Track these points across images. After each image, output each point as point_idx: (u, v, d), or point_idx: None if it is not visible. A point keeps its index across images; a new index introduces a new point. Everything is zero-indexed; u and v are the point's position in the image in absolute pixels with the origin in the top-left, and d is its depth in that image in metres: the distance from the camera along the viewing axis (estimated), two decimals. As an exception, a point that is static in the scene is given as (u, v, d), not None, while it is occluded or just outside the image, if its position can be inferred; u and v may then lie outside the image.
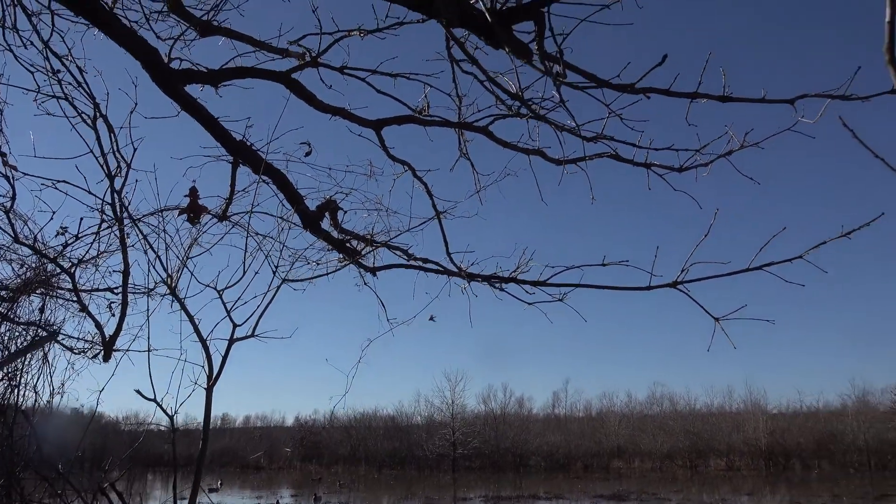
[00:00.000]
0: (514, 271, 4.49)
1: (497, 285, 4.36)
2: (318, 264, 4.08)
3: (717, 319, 3.59)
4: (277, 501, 26.60)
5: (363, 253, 4.29)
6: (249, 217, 3.69)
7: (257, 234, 3.73)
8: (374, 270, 4.12)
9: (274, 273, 3.58)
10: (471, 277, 4.44)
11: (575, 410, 68.10)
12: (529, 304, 4.08)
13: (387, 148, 3.97)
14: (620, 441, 50.94)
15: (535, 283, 3.82)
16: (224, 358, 3.45)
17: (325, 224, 4.33)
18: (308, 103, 4.04)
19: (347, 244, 4.35)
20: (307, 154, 4.03)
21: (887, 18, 1.38)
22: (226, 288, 3.52)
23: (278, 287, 3.55)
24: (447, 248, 4.68)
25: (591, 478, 41.00)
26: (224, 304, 3.51)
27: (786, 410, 52.16)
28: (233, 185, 4.09)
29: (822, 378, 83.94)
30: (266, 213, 3.91)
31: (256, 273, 3.47)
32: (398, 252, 4.60)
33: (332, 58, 3.99)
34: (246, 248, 3.50)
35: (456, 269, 4.61)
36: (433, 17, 2.71)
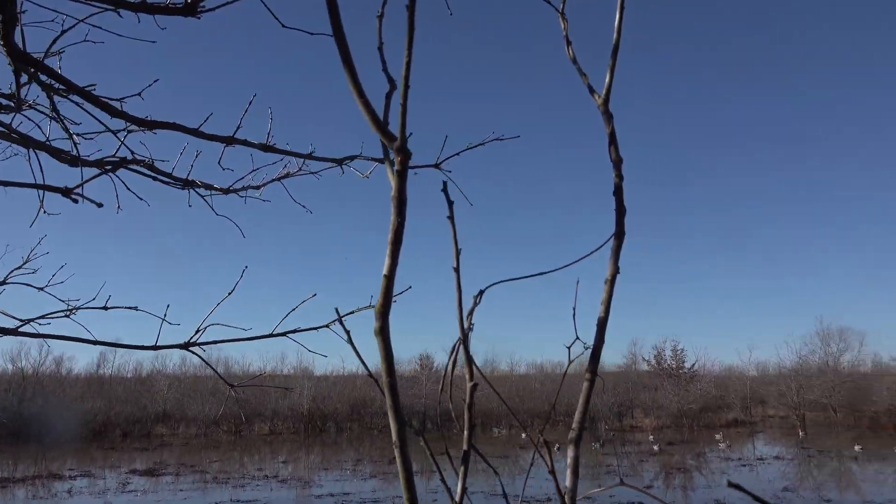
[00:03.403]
0: None
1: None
2: None
3: (231, 386, 3.27)
4: None
5: None
6: None
7: None
8: None
9: None
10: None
11: (123, 371, 63.54)
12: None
13: None
14: (168, 406, 49.12)
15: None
16: None
17: None
18: None
19: None
20: None
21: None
22: None
23: None
24: None
25: (129, 447, 38.55)
26: None
27: (330, 375, 56.68)
28: None
29: (361, 348, 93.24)
30: None
31: None
32: None
33: None
34: None
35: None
36: None
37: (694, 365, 57.93)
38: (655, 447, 34.00)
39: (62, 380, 51.83)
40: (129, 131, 2.77)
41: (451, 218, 0.91)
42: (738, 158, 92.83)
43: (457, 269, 0.90)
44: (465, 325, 0.91)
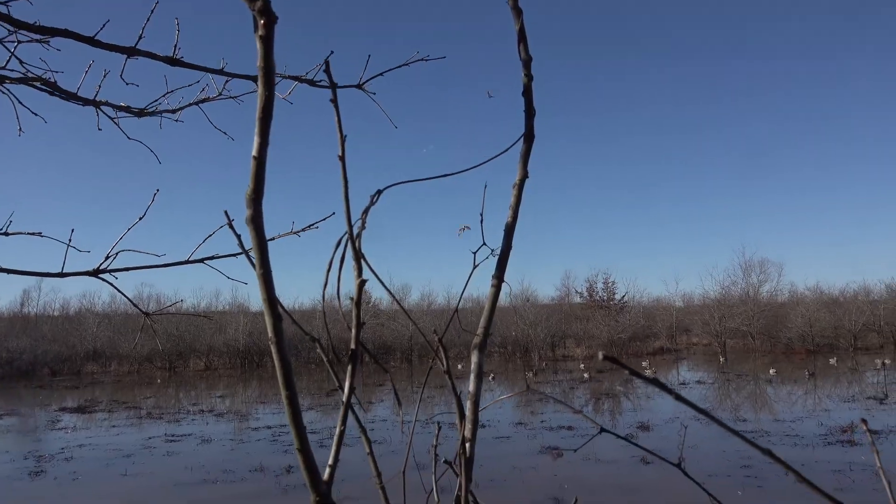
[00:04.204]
0: None
1: None
2: None
3: (147, 315, 3.17)
4: None
5: None
6: None
7: None
8: None
9: None
10: None
11: (49, 310, 61.72)
12: None
13: None
14: (98, 344, 48.06)
15: None
16: None
17: None
18: None
19: None
20: None
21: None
22: None
23: None
24: None
25: (58, 386, 37.71)
26: None
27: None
28: None
29: (300, 282, 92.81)
30: None
31: None
32: None
33: None
34: None
35: None
36: None
37: (624, 296, 59.88)
38: (586, 375, 35.30)
39: (-17, 319, 49.93)
40: (19, 42, 2.54)
41: (334, 102, 0.84)
42: (664, 90, 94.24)
43: (342, 158, 0.85)
44: (358, 221, 0.86)
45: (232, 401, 29.58)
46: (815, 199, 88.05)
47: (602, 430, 1.12)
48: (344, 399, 0.85)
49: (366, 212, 0.94)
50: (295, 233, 3.20)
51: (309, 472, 0.75)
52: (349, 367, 0.85)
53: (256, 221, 0.71)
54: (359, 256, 0.86)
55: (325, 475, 0.79)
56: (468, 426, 1.03)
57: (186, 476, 14.39)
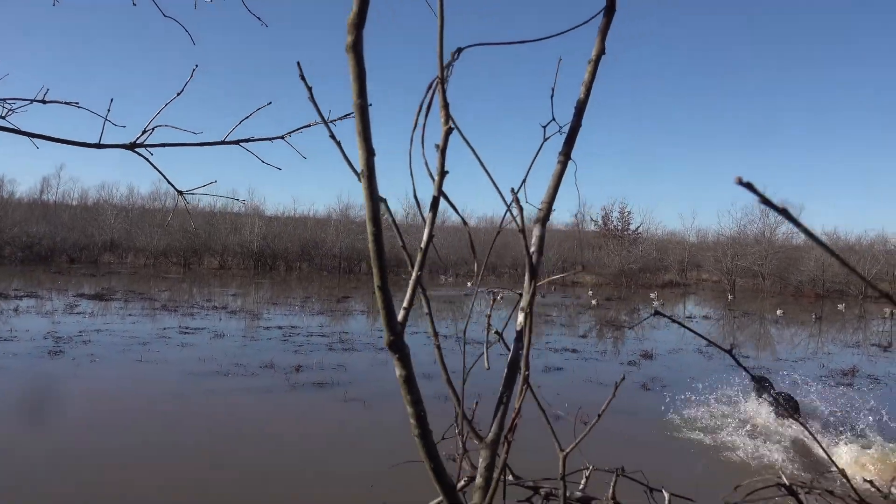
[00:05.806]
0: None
1: None
2: None
3: (180, 193, 3.16)
4: None
5: None
6: None
7: None
8: None
9: None
10: None
11: (68, 199, 62.42)
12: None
13: None
14: (115, 235, 48.73)
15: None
16: None
17: None
18: None
19: None
20: None
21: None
22: None
23: None
24: None
25: (75, 273, 38.50)
26: None
27: (280, 216, 56.73)
28: None
29: (313, 190, 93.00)
30: None
31: None
32: None
33: None
34: None
35: None
36: None
37: (638, 227, 59.72)
38: (593, 302, 35.63)
39: (4, 202, 50.53)
40: None
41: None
42: (694, 24, 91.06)
43: (438, -6, 0.82)
44: (444, 65, 0.83)
45: (244, 300, 30.16)
46: (842, 145, 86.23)
47: (656, 312, 1.13)
48: (423, 245, 0.85)
49: (449, 65, 0.92)
50: (319, 122, 3.15)
51: (386, 310, 0.76)
52: (430, 214, 0.85)
53: (357, 49, 0.69)
54: (446, 104, 0.85)
55: (400, 316, 0.81)
56: (527, 297, 1.04)
57: (199, 367, 14.85)
